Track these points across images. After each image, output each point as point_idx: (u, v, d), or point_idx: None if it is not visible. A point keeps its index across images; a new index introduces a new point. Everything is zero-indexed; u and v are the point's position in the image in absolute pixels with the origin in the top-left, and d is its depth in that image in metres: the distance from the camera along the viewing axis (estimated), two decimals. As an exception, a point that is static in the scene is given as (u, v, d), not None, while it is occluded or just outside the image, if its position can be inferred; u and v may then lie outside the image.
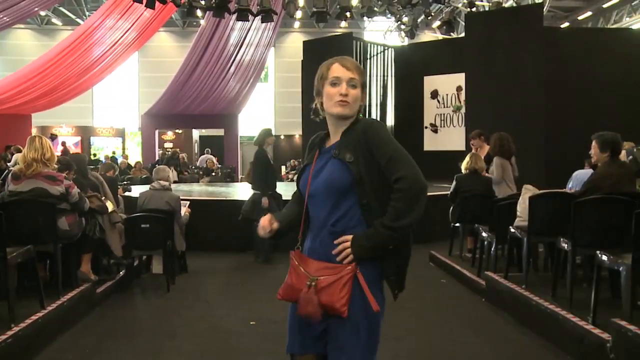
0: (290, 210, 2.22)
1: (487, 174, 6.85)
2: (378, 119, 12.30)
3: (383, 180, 1.92)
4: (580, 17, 23.84)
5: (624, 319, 3.53)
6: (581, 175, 5.70)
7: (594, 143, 4.73)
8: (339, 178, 1.94)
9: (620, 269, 3.81)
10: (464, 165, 6.85)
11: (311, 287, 1.91)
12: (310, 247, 2.04)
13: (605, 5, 22.41)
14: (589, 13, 23.42)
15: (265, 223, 2.12)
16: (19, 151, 9.16)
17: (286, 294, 2.03)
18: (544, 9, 13.79)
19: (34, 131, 18.57)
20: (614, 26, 21.96)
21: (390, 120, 13.53)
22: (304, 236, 2.10)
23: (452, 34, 16.19)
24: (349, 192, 1.94)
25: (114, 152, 22.13)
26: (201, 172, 17.31)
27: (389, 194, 1.90)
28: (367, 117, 2.18)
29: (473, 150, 7.46)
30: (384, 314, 2.00)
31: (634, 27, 20.41)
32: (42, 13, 23.41)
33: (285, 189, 12.06)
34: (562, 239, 4.69)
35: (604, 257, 4.01)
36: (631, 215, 3.68)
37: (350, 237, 1.92)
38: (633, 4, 21.57)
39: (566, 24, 23.89)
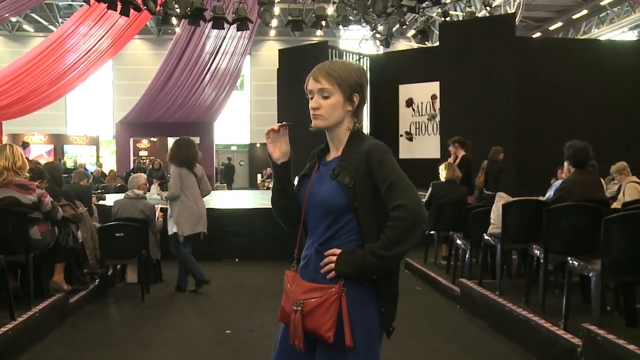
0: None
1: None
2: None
3: (383, 207, 1.81)
4: (551, 28, 24.37)
5: (594, 324, 3.60)
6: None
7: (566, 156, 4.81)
8: (334, 200, 1.84)
9: (590, 274, 3.89)
10: (444, 174, 6.84)
11: (297, 312, 1.81)
12: (301, 266, 1.95)
13: (575, 17, 22.95)
14: (560, 24, 23.97)
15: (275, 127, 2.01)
16: (-10, 159, 8.95)
17: (281, 318, 1.94)
18: (517, 19, 14.01)
19: (5, 139, 18.28)
20: (584, 37, 22.46)
21: (365, 129, 13.61)
22: (300, 254, 1.99)
23: (426, 42, 16.40)
24: (343, 214, 1.85)
25: (75, 161, 21.08)
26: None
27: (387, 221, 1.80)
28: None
29: (452, 157, 7.53)
30: (381, 338, 1.88)
31: (602, 37, 20.91)
32: (13, 19, 23.08)
33: (262, 197, 12.05)
34: (534, 246, 4.77)
35: (575, 263, 4.08)
36: (601, 222, 3.76)
37: (339, 251, 1.82)
38: (601, 16, 22.12)
39: (538, 34, 24.37)
